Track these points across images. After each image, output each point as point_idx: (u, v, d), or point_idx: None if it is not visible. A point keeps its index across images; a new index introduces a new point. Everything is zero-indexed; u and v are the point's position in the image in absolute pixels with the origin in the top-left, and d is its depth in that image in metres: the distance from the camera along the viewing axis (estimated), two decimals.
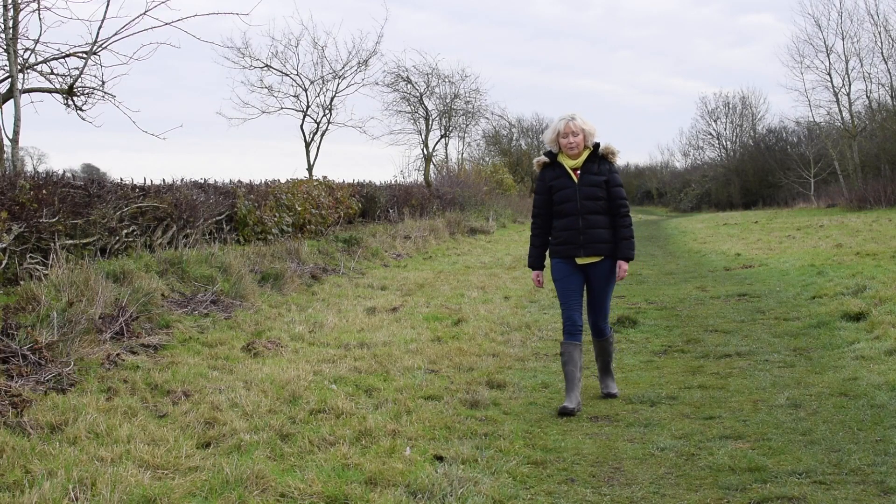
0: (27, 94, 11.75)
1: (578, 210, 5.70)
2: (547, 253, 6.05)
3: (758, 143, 54.04)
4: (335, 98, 23.19)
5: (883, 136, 37.61)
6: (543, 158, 5.86)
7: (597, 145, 5.80)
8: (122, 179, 11.20)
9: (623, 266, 5.76)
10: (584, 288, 5.93)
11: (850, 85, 38.24)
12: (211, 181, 13.79)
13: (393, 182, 25.11)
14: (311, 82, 22.93)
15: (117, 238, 10.07)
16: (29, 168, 27.07)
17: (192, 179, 13.26)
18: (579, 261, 5.77)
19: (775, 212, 37.47)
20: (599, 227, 5.71)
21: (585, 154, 5.76)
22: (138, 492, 3.91)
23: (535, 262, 6.05)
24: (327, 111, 22.93)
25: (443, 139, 33.63)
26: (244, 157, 65.99)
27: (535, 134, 53.03)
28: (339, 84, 23.27)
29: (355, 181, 20.53)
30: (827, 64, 38.83)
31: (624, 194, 5.83)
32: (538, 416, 5.61)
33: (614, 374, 6.29)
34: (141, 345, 7.04)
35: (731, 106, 58.71)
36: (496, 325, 8.93)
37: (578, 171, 5.75)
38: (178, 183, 12.40)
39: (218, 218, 12.80)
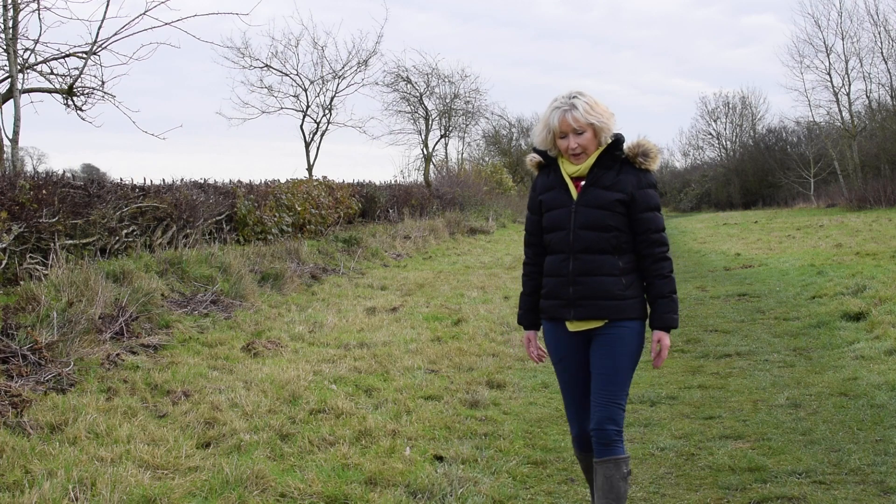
0: (27, 94, 11.78)
1: (570, 244, 3.52)
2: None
3: (758, 143, 54.06)
4: (335, 98, 23.27)
5: (883, 135, 37.64)
6: (536, 157, 3.68)
7: (616, 140, 3.53)
8: (121, 179, 11.23)
9: (664, 341, 3.63)
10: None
11: (849, 85, 38.34)
12: (211, 181, 13.83)
13: (393, 182, 25.15)
14: (311, 82, 22.99)
15: (117, 238, 10.07)
16: (29, 168, 27.09)
17: (192, 179, 13.31)
18: (570, 326, 3.58)
19: (775, 212, 37.50)
20: (603, 274, 3.50)
21: (596, 154, 3.54)
22: (138, 492, 3.92)
23: (525, 318, 3.78)
24: (327, 111, 22.99)
25: (443, 139, 33.70)
26: (244, 157, 65.88)
27: None
28: (338, 84, 23.34)
29: (355, 181, 20.58)
30: (827, 64, 38.89)
31: (661, 224, 3.57)
32: (538, 416, 5.61)
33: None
34: (141, 345, 7.04)
35: (731, 106, 58.74)
36: (496, 325, 8.92)
37: (582, 183, 3.55)
38: (178, 183, 12.42)
39: (218, 218, 12.80)
